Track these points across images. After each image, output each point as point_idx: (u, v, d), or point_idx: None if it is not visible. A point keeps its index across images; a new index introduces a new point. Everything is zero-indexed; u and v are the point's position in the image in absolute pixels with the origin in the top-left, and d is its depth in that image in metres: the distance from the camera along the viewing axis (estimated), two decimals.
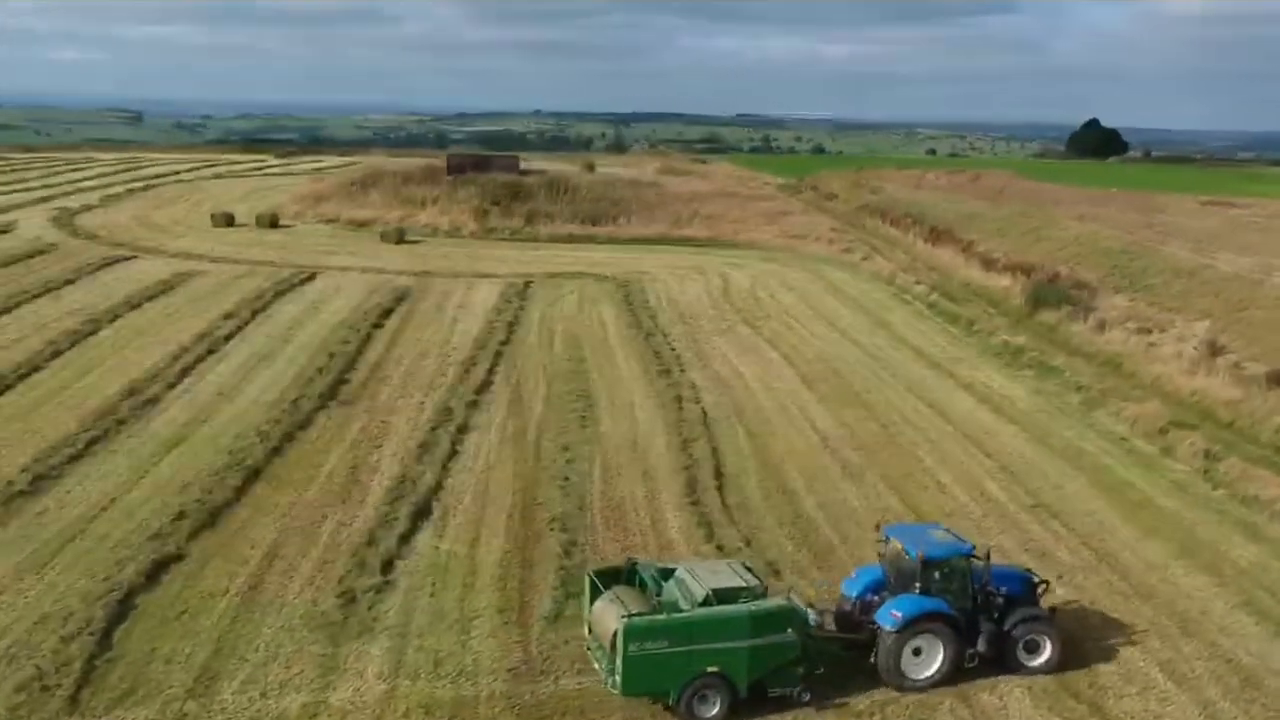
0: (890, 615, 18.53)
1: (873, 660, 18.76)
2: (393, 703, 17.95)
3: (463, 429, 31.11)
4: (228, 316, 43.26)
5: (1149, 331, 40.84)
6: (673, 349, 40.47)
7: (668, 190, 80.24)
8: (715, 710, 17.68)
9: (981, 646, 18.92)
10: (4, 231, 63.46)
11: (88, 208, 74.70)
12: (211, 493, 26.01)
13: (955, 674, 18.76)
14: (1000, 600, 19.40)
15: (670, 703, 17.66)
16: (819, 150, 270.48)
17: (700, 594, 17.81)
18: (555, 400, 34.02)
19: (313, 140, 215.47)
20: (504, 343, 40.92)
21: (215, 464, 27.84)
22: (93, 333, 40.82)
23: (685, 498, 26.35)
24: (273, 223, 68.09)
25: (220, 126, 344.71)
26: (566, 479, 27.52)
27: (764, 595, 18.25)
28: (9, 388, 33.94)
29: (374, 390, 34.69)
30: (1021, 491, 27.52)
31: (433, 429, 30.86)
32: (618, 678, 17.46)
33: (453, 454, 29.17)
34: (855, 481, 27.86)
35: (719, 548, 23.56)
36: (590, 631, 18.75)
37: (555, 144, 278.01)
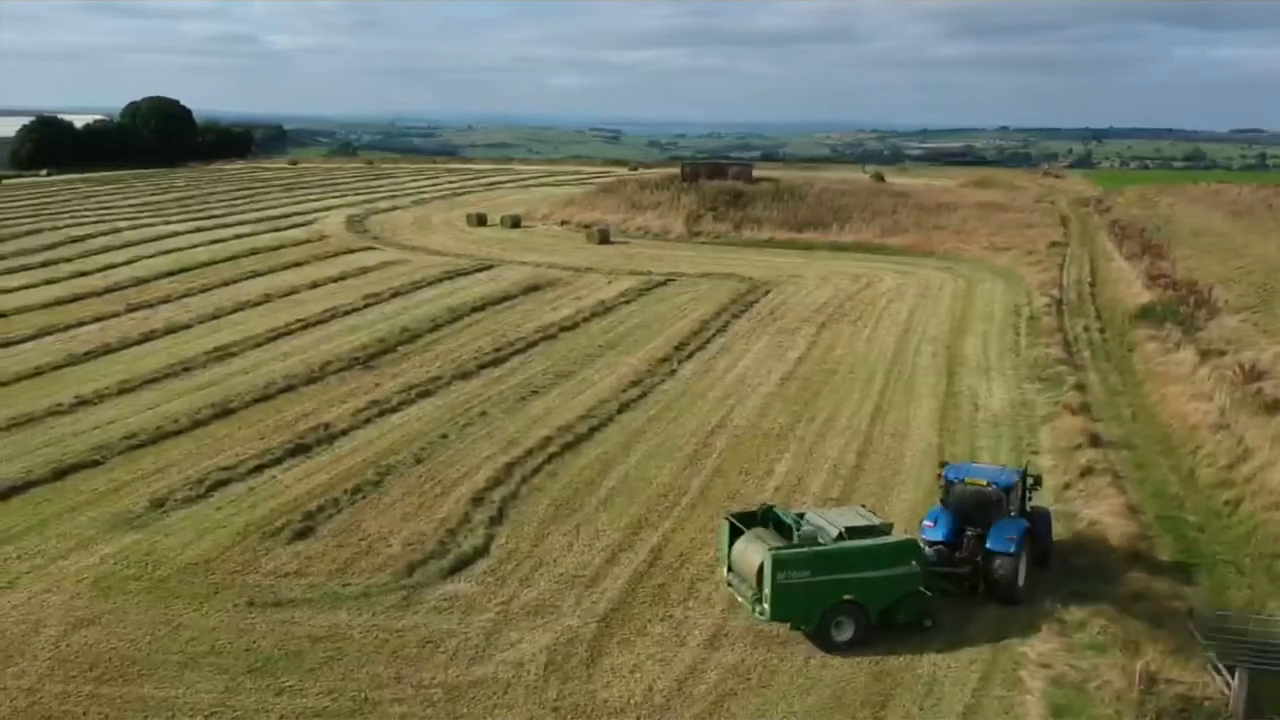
0: (1006, 540, 20.87)
1: (982, 587, 20.99)
2: (72, 568, 22.64)
3: (425, 394, 35.36)
4: (367, 297, 50.47)
5: (1222, 354, 36.93)
6: (705, 345, 42.22)
7: (909, 200, 79.11)
8: (849, 634, 19.44)
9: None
10: (301, 225, 76.09)
11: (394, 209, 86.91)
12: (176, 421, 32.28)
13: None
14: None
15: (810, 628, 19.48)
16: None
17: (835, 531, 19.99)
18: (532, 377, 37.36)
19: (767, 157, 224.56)
20: (566, 329, 44.66)
21: (208, 400, 34.15)
22: (260, 304, 49.49)
23: (514, 463, 28.85)
24: (514, 223, 75.88)
25: (692, 145, 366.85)
26: (444, 436, 31.06)
27: (889, 533, 20.49)
28: (150, 339, 42.74)
29: (405, 361, 39.81)
30: (840, 488, 27.47)
31: (399, 391, 35.41)
32: (766, 605, 19.30)
33: (389, 412, 33.48)
34: (690, 464, 29.04)
35: (473, 501, 26.25)
36: (731, 570, 20.86)
37: (1015, 160, 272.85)
